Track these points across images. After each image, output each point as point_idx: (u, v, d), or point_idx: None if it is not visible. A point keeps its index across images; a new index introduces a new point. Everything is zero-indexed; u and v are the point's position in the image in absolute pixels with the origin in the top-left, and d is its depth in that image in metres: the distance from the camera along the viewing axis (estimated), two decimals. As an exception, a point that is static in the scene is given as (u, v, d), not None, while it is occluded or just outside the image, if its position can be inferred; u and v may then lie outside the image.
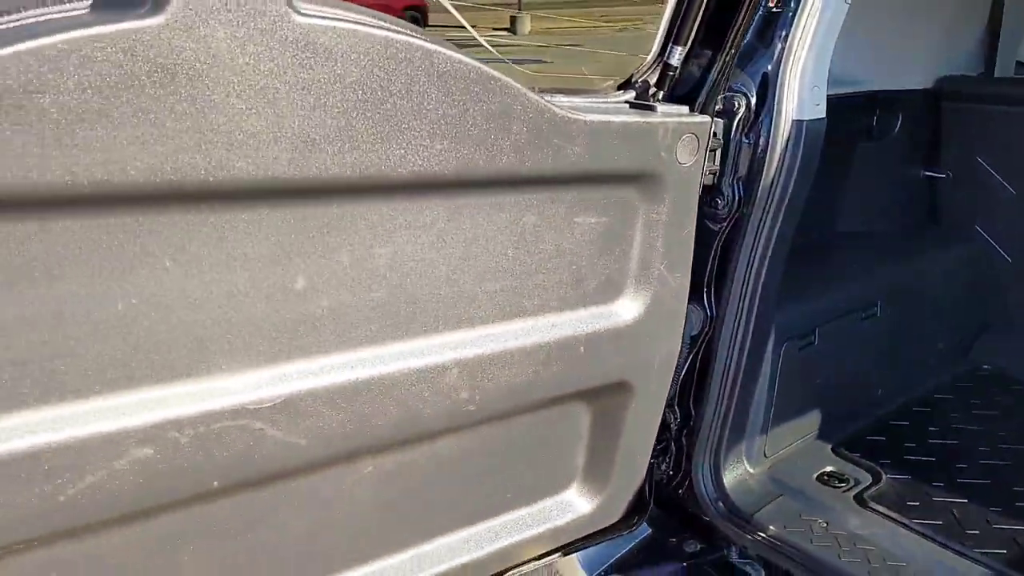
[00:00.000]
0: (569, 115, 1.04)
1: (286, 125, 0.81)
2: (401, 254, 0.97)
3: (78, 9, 0.75)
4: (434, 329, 1.03)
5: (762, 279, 1.45)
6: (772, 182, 1.40)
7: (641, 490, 1.48)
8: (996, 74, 2.22)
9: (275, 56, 0.78)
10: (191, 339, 0.84)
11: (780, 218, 1.43)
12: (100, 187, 0.73)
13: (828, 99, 1.46)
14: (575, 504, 1.39)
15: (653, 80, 1.23)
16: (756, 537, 1.49)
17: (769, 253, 1.44)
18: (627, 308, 1.23)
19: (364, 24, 0.84)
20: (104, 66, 0.70)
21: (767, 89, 1.39)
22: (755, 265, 1.44)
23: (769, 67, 1.38)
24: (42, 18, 0.73)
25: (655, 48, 1.24)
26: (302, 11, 0.79)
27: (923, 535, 1.47)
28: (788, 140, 1.38)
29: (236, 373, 0.89)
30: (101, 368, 0.80)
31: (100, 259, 0.77)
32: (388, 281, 0.97)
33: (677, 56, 1.21)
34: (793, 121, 1.38)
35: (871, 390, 1.92)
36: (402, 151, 0.90)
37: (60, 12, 0.74)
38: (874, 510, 1.56)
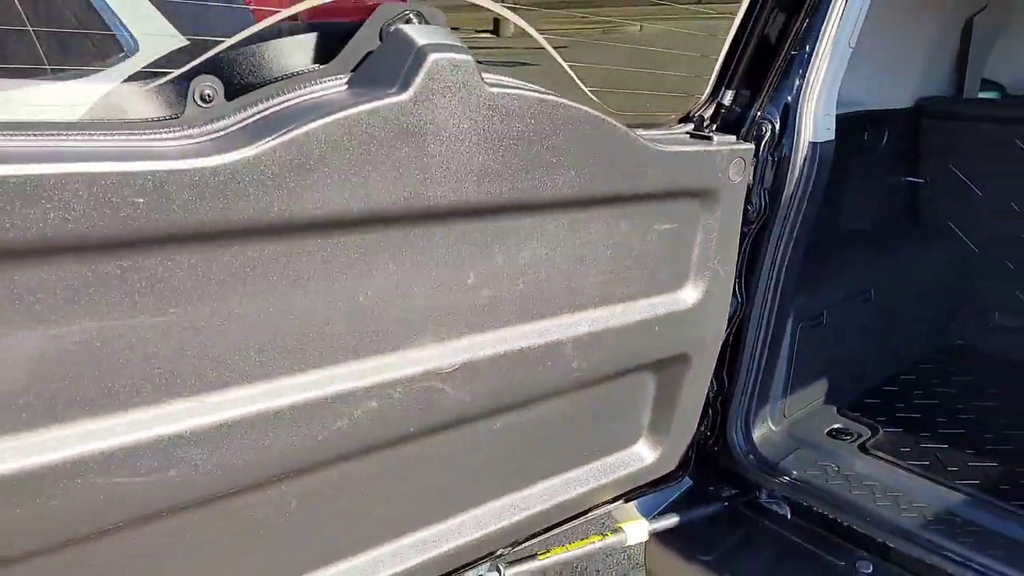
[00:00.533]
0: (652, 146, 1.36)
1: (475, 163, 1.12)
2: (536, 256, 1.28)
3: (328, 89, 1.05)
4: (556, 313, 1.34)
5: (783, 271, 1.79)
6: (792, 193, 1.73)
7: (690, 446, 1.80)
8: (964, 95, 2.59)
9: (472, 115, 1.09)
10: (403, 320, 1.15)
11: (798, 221, 1.76)
12: (361, 212, 1.03)
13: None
14: (642, 455, 1.71)
15: (708, 115, 1.55)
16: (781, 480, 1.83)
17: (789, 250, 1.78)
18: (689, 295, 1.56)
19: (527, 90, 1.16)
20: (372, 129, 1.00)
21: (788, 117, 1.72)
22: (777, 259, 1.78)
23: (790, 98, 1.71)
24: (310, 96, 1.03)
25: (708, 90, 1.56)
26: (489, 82, 1.10)
27: (914, 472, 1.83)
28: (805, 159, 1.71)
29: (429, 346, 1.19)
30: (349, 343, 1.10)
31: (351, 265, 1.07)
32: (526, 276, 1.28)
33: (729, 97, 1.54)
34: (809, 143, 1.72)
35: (868, 362, 2.28)
36: (543, 180, 1.21)
37: (320, 92, 1.04)
38: (874, 456, 1.92)
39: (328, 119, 0.97)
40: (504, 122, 1.13)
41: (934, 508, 1.74)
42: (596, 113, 1.24)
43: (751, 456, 1.90)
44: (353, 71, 1.07)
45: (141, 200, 0.86)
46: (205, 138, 0.96)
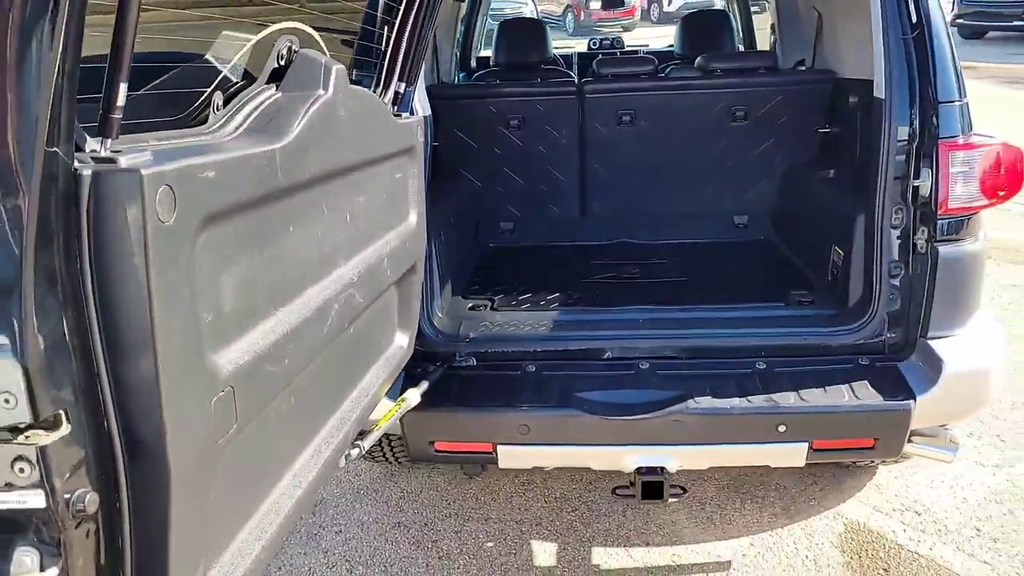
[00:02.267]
0: (394, 118, 2.10)
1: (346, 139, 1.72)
2: (364, 201, 1.91)
3: (274, 95, 1.52)
4: (376, 238, 1.99)
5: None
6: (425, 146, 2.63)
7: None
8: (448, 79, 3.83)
9: (345, 105, 1.68)
10: (337, 245, 1.69)
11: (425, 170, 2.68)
12: (324, 171, 1.56)
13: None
14: (402, 344, 2.42)
15: (389, 100, 2.32)
16: (462, 344, 2.77)
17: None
18: (412, 219, 2.33)
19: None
20: (321, 116, 1.54)
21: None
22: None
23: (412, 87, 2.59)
24: (270, 99, 1.50)
25: (383, 83, 2.32)
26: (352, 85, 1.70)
27: (524, 310, 3.00)
28: (424, 128, 2.63)
29: (348, 263, 1.75)
30: (335, 256, 1.61)
31: (321, 206, 1.59)
32: (361, 214, 1.90)
33: (401, 87, 2.34)
34: (423, 116, 2.64)
35: (460, 264, 3.37)
36: (370, 147, 1.85)
37: (271, 96, 1.51)
38: (503, 310, 3.02)
39: (311, 112, 1.48)
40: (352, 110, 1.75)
41: (549, 322, 2.88)
42: (380, 103, 1.92)
43: (440, 336, 2.77)
44: (276, 83, 1.55)
45: (268, 167, 1.29)
46: (239, 132, 1.38)
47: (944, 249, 2.47)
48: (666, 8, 24.39)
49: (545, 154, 3.72)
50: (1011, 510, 3.10)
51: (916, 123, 2.48)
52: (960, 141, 2.45)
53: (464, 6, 4.75)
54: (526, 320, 2.90)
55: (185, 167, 1.06)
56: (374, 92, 2.34)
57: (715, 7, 8.50)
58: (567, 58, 5.81)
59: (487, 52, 5.97)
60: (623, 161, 3.72)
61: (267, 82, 1.56)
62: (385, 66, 2.33)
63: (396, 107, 2.35)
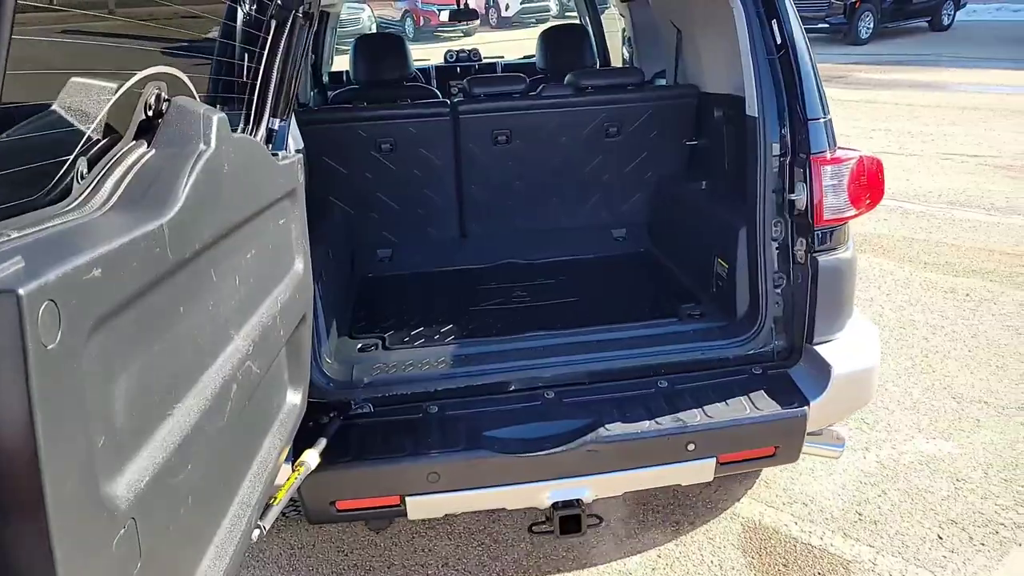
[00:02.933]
0: (275, 160, 1.89)
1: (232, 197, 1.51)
2: (249, 260, 1.70)
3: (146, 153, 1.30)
4: (266, 296, 1.78)
5: None
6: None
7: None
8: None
9: (228, 161, 1.48)
10: (230, 318, 1.48)
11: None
12: (213, 236, 1.35)
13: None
14: (294, 403, 2.21)
15: (262, 139, 2.10)
16: (357, 391, 2.59)
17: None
18: (299, 266, 2.13)
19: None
20: (203, 179, 1.33)
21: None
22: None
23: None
24: (147, 160, 1.28)
25: (252, 120, 2.10)
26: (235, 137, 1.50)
27: (417, 347, 2.85)
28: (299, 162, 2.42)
29: (240, 335, 1.53)
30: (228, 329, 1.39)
31: (212, 277, 1.37)
32: (249, 275, 1.69)
33: (277, 124, 2.12)
34: (295, 150, 2.44)
35: (342, 298, 3.16)
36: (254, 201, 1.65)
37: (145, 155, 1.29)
38: (395, 349, 2.85)
39: (196, 172, 1.27)
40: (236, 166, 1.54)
41: (448, 357, 2.76)
42: (265, 153, 1.72)
43: (332, 384, 2.58)
44: (146, 138, 1.33)
45: (157, 247, 1.09)
46: (111, 204, 1.16)
47: (823, 259, 2.59)
48: (504, 13, 24.76)
49: (420, 177, 3.58)
50: (884, 491, 3.34)
51: (788, 140, 2.59)
52: (828, 156, 2.58)
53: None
54: (423, 358, 2.76)
55: (69, 273, 0.86)
56: (243, 130, 2.11)
57: (558, 16, 8.62)
58: (425, 71, 5.68)
59: (338, 67, 5.72)
60: (501, 180, 3.66)
61: (135, 138, 1.33)
62: (255, 102, 2.11)
63: (271, 146, 2.14)
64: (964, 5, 19.89)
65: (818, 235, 2.59)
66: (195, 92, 1.63)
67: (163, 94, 1.43)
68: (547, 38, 4.88)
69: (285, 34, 2.21)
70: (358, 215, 3.64)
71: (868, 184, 2.62)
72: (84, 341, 0.90)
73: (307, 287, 2.18)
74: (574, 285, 3.46)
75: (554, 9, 27.05)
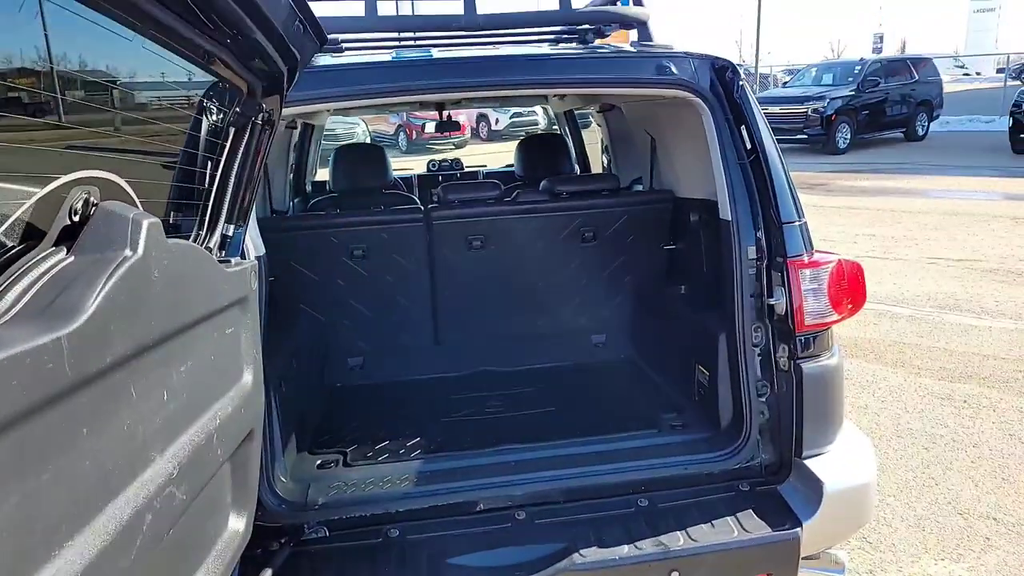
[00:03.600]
0: (222, 267, 1.79)
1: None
2: (181, 373, 1.57)
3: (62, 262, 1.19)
4: (203, 412, 1.63)
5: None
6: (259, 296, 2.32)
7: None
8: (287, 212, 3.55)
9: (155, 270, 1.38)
10: (147, 441, 1.33)
11: (261, 317, 2.36)
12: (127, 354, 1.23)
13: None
14: (237, 529, 2.01)
15: (216, 245, 2.01)
16: (311, 514, 2.39)
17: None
18: (247, 379, 1.99)
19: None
20: (118, 292, 1.23)
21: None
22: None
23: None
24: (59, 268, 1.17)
25: (207, 226, 2.02)
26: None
27: (380, 463, 2.67)
28: (257, 270, 2.34)
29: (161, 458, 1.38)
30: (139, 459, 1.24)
31: (119, 400, 1.23)
32: (179, 391, 1.56)
33: (232, 230, 2.03)
34: (255, 257, 2.35)
35: (306, 410, 2.99)
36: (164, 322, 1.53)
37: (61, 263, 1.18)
38: (356, 466, 2.67)
39: (114, 280, 1.17)
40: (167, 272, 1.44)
41: (412, 475, 2.58)
42: (200, 256, 1.63)
43: (284, 506, 2.39)
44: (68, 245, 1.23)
45: (51, 363, 0.96)
46: (10, 315, 1.04)
47: (807, 366, 2.47)
48: (494, 127, 25.63)
49: (393, 283, 3.50)
50: (893, 619, 3.08)
51: (763, 244, 2.52)
52: (806, 259, 2.51)
53: (296, 132, 4.56)
54: (385, 475, 2.58)
55: None
56: (196, 236, 2.03)
57: (546, 130, 8.87)
58: (407, 180, 5.73)
59: (323, 176, 5.76)
60: (476, 286, 3.58)
61: (56, 244, 1.23)
62: (210, 207, 2.04)
63: (224, 252, 2.05)
64: (937, 116, 20.72)
65: (800, 341, 2.48)
66: (134, 197, 1.55)
67: (92, 198, 1.34)
68: (525, 147, 4.95)
69: (244, 140, 2.18)
70: (329, 323, 3.53)
71: (849, 288, 2.54)
72: None
73: (256, 401, 2.04)
74: (551, 394, 3.31)
75: (542, 123, 28.03)
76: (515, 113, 26.92)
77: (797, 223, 2.53)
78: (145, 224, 1.35)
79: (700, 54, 2.70)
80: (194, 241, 2.02)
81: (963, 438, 4.68)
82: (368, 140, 20.31)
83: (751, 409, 2.52)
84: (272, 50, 2.05)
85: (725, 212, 2.62)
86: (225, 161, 2.13)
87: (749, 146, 2.58)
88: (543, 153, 4.76)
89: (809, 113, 17.96)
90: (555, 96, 4.88)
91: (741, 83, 2.64)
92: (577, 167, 5.47)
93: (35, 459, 1.01)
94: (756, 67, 35.52)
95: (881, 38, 37.22)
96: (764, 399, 2.53)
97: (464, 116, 23.22)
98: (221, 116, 2.11)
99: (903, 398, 5.31)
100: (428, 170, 6.16)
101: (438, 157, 6.40)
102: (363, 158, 4.50)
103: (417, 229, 3.38)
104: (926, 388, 5.46)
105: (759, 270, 2.52)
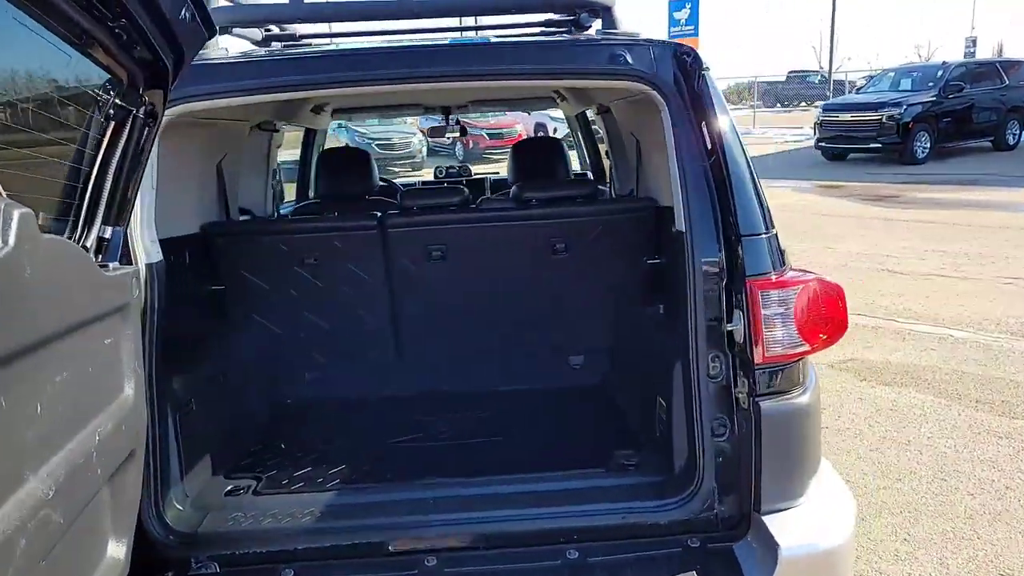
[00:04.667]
0: (102, 272, 1.59)
1: None
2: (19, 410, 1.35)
3: None
4: (48, 455, 1.42)
5: (151, 370, 2.14)
6: (147, 306, 2.11)
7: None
8: (230, 216, 3.35)
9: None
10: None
11: (155, 327, 2.15)
12: None
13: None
14: (117, 555, 1.78)
15: (91, 246, 1.80)
16: (202, 546, 2.15)
17: (154, 351, 2.14)
18: (128, 394, 1.77)
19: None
20: None
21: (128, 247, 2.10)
22: (145, 361, 2.11)
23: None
24: None
25: (81, 226, 1.81)
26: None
27: (292, 492, 2.41)
28: (146, 279, 2.12)
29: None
30: None
31: None
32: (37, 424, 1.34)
33: (108, 232, 1.83)
34: (145, 265, 2.13)
35: (237, 429, 2.76)
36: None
37: None
38: (266, 495, 2.42)
39: None
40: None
41: (320, 508, 2.31)
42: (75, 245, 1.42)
43: (171, 537, 2.15)
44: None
45: None
46: None
47: (768, 404, 2.08)
48: (551, 135, 25.33)
49: (351, 295, 3.25)
50: None
51: (723, 259, 2.15)
52: (772, 278, 2.12)
53: (278, 136, 4.38)
54: (292, 507, 2.31)
55: None
56: (70, 236, 1.83)
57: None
58: (409, 187, 5.50)
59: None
60: (440, 300, 3.30)
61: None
62: (85, 205, 1.84)
63: (101, 256, 1.85)
64: (1031, 125, 19.24)
65: (761, 375, 2.09)
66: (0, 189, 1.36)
67: None
68: (516, 152, 4.63)
69: (124, 135, 1.97)
70: (283, 335, 3.31)
71: (826, 315, 2.13)
72: None
73: (137, 418, 1.82)
74: (505, 421, 2.99)
75: (602, 132, 27.58)
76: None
77: (763, 235, 2.15)
78: (16, 214, 1.16)
79: (663, 42, 2.35)
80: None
81: (1019, 485, 4.09)
82: (425, 150, 20.37)
83: (704, 452, 2.14)
84: (157, 37, 1.84)
85: (679, 221, 2.26)
86: (103, 156, 1.93)
87: (710, 145, 2.21)
88: (536, 158, 4.44)
89: (884, 120, 16.90)
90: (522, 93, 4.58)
91: (703, 71, 2.27)
92: (590, 175, 5.12)
93: None
94: (830, 72, 34.14)
95: (974, 42, 35.03)
96: (722, 440, 2.15)
97: (521, 125, 23.03)
98: (99, 107, 1.92)
99: (954, 435, 4.71)
100: (435, 177, 5.92)
101: (446, 164, 6.17)
102: (345, 163, 4.28)
103: (371, 237, 3.12)
104: (982, 424, 4.84)
105: (717, 290, 2.15)
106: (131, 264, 2.08)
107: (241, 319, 3.25)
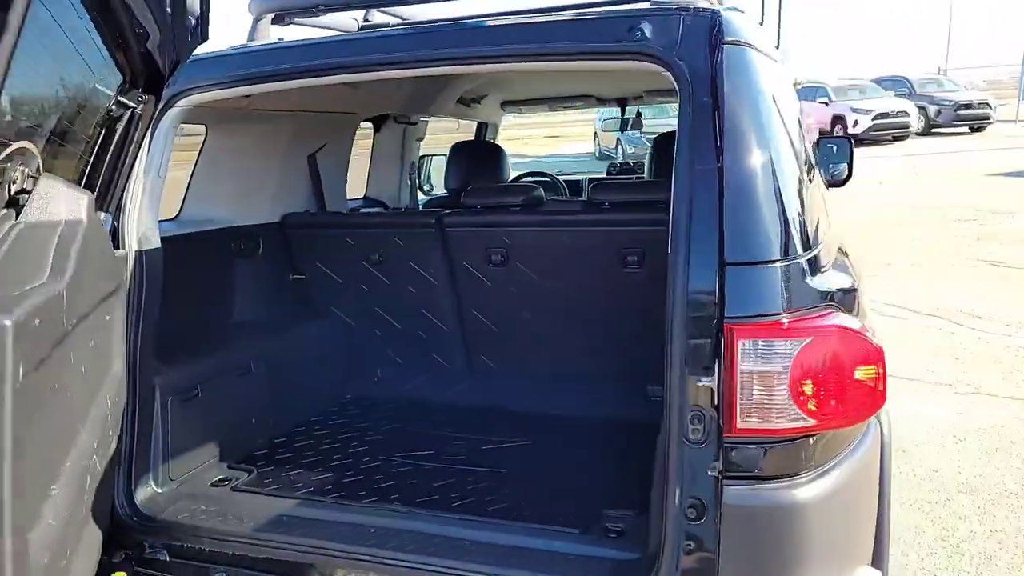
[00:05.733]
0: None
1: None
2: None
3: None
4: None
5: (138, 355, 2.19)
6: (133, 291, 2.17)
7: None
8: (328, 209, 3.39)
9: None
10: None
11: (142, 313, 2.20)
12: None
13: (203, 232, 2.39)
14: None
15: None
16: (159, 531, 2.16)
17: (139, 337, 2.20)
18: (117, 369, 1.87)
19: None
20: None
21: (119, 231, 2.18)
22: (130, 346, 2.17)
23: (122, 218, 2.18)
24: None
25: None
26: None
27: (272, 496, 2.33)
28: (134, 264, 2.18)
29: None
30: None
31: None
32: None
33: (102, 217, 1.97)
34: (136, 252, 2.19)
35: (256, 421, 2.78)
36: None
37: None
38: (244, 492, 2.38)
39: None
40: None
41: (268, 516, 2.18)
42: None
43: (134, 518, 2.19)
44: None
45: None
46: None
47: (734, 492, 1.55)
48: (851, 129, 22.76)
49: (415, 295, 3.10)
50: None
51: (716, 290, 1.63)
52: (774, 321, 1.56)
53: (416, 129, 4.34)
54: (249, 510, 2.23)
55: None
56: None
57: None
58: (557, 181, 5.15)
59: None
60: (505, 309, 3.01)
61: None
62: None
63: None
64: None
65: (730, 451, 1.56)
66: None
67: (28, 171, 1.43)
68: (657, 147, 4.08)
69: (120, 129, 2.07)
70: (357, 328, 3.27)
71: (843, 380, 1.52)
72: None
73: (121, 393, 1.94)
74: (527, 452, 2.63)
75: (915, 125, 24.12)
76: (879, 114, 23.53)
77: (769, 264, 1.59)
78: (86, 197, 1.59)
79: (696, 8, 1.85)
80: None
81: None
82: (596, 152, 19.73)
83: (667, 534, 1.66)
84: (158, 42, 1.93)
85: (672, 243, 1.76)
86: (99, 147, 2.05)
87: (719, 144, 1.69)
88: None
89: None
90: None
91: (726, 44, 1.76)
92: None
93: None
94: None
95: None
96: (700, 524, 1.64)
97: (812, 119, 21.00)
98: (105, 102, 2.04)
99: None
100: (608, 174, 5.52)
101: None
102: (475, 157, 4.11)
103: (430, 236, 2.94)
104: None
105: (702, 334, 1.64)
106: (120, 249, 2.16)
107: (317, 309, 3.28)
